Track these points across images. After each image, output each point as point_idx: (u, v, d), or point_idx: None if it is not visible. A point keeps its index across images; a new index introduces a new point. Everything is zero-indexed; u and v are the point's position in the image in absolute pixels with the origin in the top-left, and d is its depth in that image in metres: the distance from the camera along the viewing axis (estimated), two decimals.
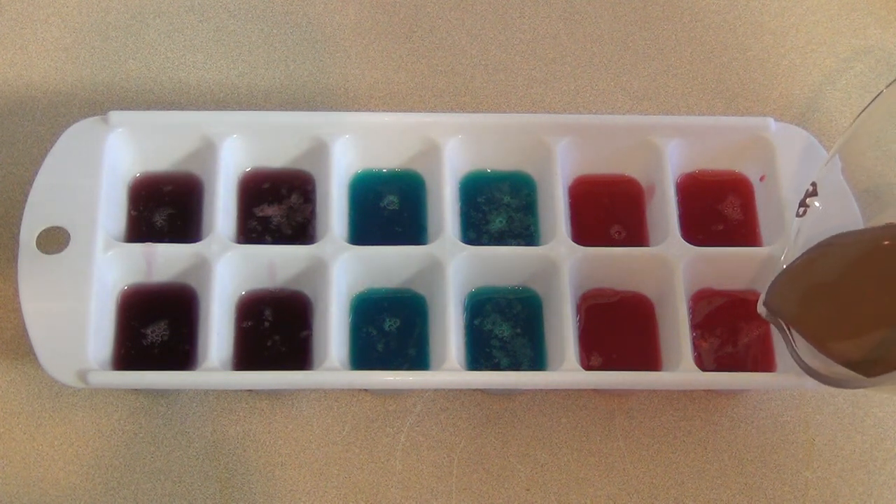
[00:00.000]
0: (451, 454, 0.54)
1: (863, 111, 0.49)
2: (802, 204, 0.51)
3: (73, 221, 0.52)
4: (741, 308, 0.54)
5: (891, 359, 0.46)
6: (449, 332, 0.51)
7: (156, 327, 0.53)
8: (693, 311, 0.54)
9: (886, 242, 0.49)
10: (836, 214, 0.51)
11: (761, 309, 0.51)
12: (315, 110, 0.60)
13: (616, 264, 0.54)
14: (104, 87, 0.61)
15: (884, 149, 0.51)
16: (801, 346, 0.49)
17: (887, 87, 0.49)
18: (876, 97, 0.49)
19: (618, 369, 0.53)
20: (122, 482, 0.52)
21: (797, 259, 0.51)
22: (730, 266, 0.54)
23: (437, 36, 0.63)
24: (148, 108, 0.59)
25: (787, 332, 0.50)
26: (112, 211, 0.53)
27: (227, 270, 0.52)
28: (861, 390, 0.55)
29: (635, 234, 0.56)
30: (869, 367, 0.46)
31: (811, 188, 0.51)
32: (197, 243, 0.52)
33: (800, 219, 0.51)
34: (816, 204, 0.51)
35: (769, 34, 0.64)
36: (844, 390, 0.55)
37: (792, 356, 0.49)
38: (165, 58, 0.62)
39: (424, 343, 0.53)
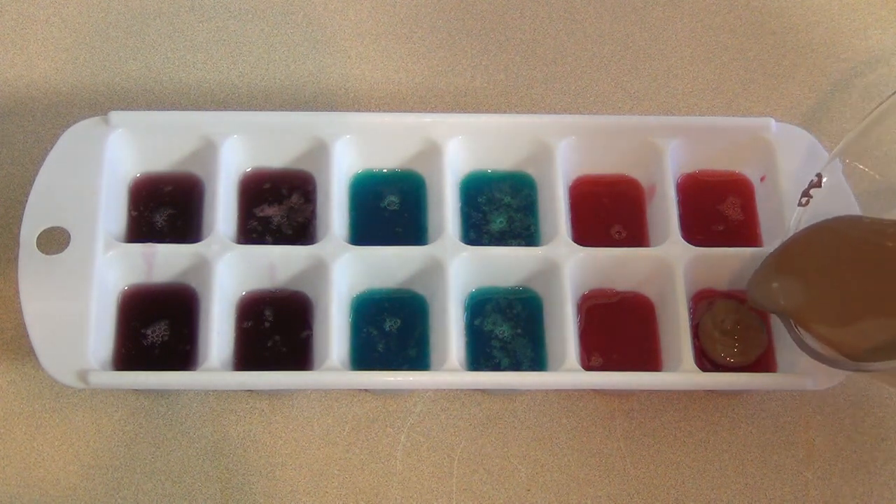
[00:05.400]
0: (452, 454, 0.53)
1: (871, 112, 0.49)
2: (806, 194, 0.51)
3: (74, 221, 0.52)
4: None
5: (887, 348, 0.45)
6: (449, 332, 0.51)
7: (156, 327, 0.53)
8: (693, 312, 0.54)
9: (890, 244, 0.48)
10: (838, 212, 0.51)
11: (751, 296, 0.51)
12: (315, 110, 0.60)
13: (616, 264, 0.54)
14: (104, 87, 0.61)
15: (889, 151, 0.51)
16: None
17: None
18: (885, 100, 0.49)
19: (618, 370, 0.53)
20: (122, 482, 0.52)
21: (786, 241, 0.51)
22: (730, 266, 0.54)
23: (437, 36, 0.63)
24: (148, 109, 0.59)
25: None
26: (112, 211, 0.53)
27: (228, 270, 0.52)
28: (860, 390, 0.55)
29: (636, 235, 0.56)
30: (865, 354, 0.46)
31: (816, 179, 0.51)
32: (197, 243, 0.52)
33: (802, 208, 0.51)
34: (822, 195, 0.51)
35: (769, 34, 0.64)
36: (844, 391, 0.55)
37: (789, 334, 0.49)
38: (166, 58, 0.62)
39: (425, 343, 0.53)
